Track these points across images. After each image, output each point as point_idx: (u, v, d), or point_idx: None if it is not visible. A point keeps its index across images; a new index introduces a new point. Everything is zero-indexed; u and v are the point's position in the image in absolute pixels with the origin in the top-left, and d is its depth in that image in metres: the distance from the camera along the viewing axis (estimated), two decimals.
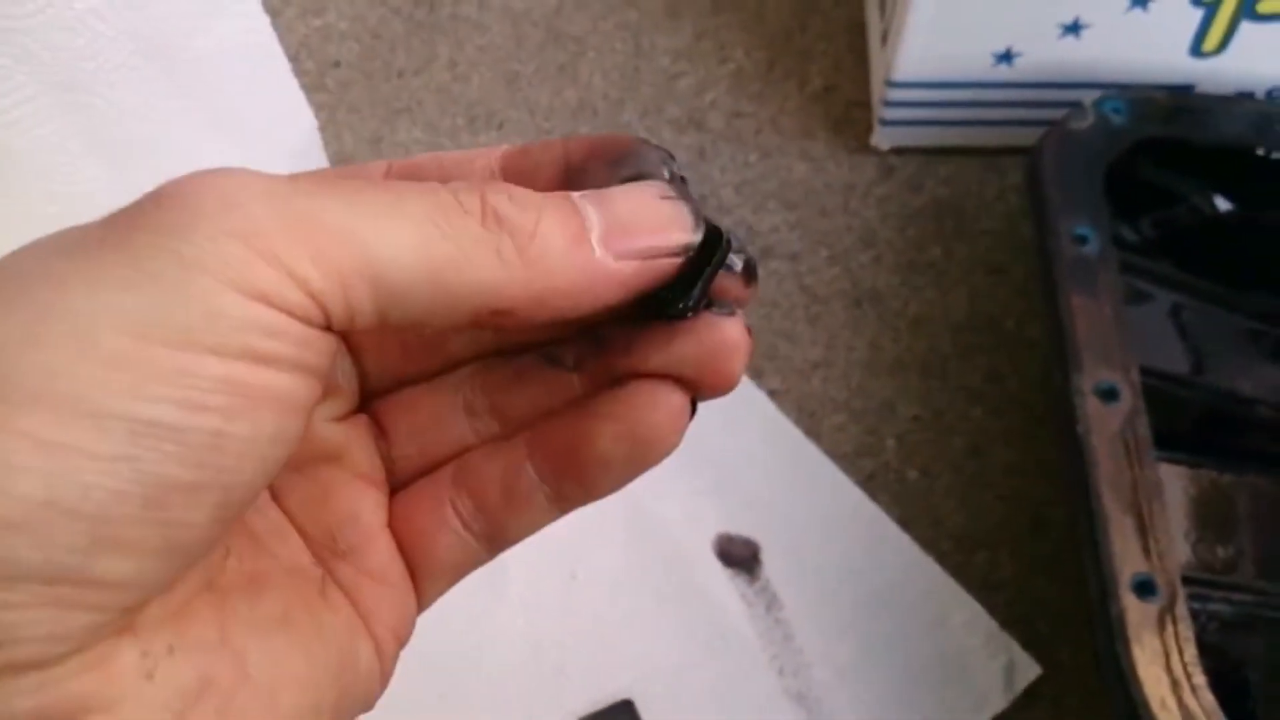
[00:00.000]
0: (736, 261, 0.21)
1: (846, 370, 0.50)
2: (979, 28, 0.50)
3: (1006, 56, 0.51)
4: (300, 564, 0.21)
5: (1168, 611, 0.35)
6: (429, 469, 0.23)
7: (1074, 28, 0.49)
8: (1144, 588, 0.36)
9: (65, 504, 0.16)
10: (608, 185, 0.20)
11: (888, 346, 0.51)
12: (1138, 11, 0.48)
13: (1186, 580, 0.37)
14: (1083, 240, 0.42)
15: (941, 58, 0.51)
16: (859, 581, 0.45)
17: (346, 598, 0.22)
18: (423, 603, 0.23)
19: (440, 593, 0.23)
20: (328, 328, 0.18)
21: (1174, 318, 0.47)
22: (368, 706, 0.22)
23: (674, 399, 0.21)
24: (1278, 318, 0.47)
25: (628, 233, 0.19)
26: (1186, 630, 0.35)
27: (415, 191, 0.19)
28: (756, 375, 0.50)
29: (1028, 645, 0.44)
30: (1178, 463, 0.42)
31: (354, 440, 0.23)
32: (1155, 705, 0.34)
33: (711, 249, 0.20)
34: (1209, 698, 0.34)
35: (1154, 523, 0.37)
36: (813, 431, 0.48)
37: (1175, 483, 0.41)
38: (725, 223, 0.21)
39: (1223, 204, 0.48)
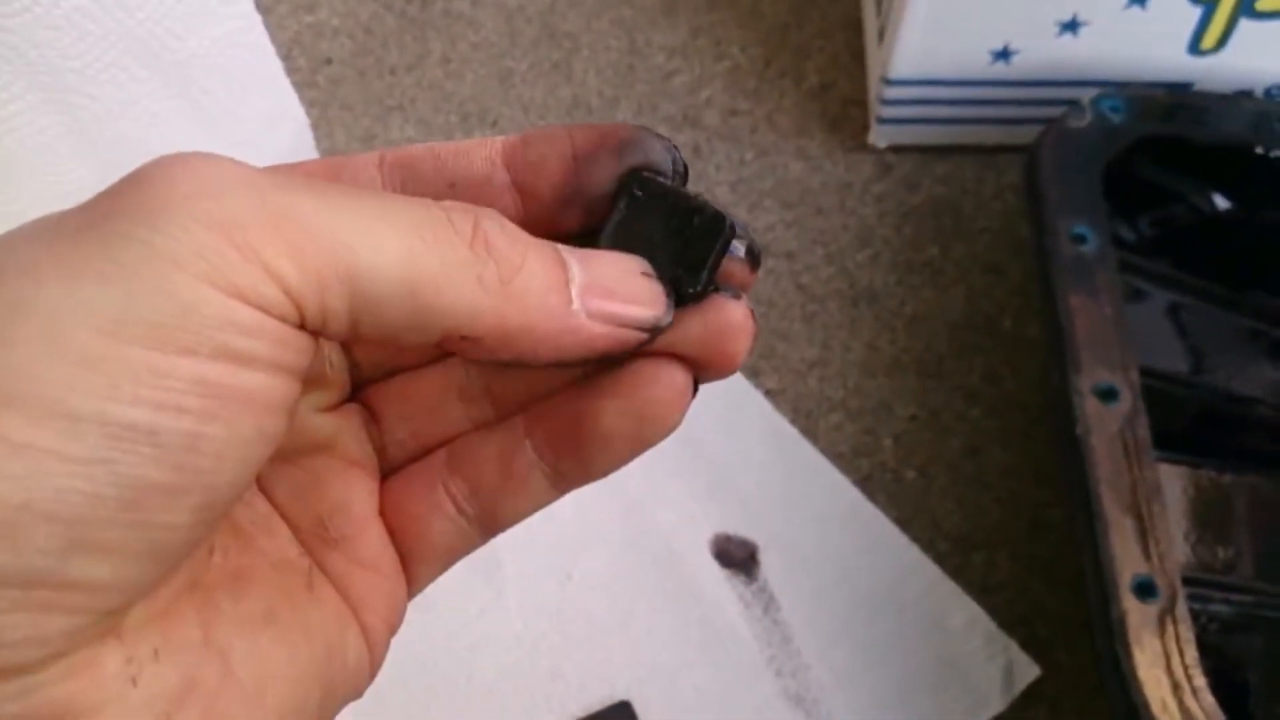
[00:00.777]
0: (740, 247, 0.21)
1: (843, 370, 0.50)
2: (976, 25, 0.50)
3: (1004, 54, 0.51)
4: (287, 557, 0.21)
5: (1168, 613, 0.35)
6: (422, 454, 0.23)
7: (1072, 25, 0.49)
8: (1144, 589, 0.35)
9: (41, 507, 0.15)
10: (616, 174, 0.21)
11: (885, 346, 0.51)
12: (1136, 9, 0.48)
13: (1186, 581, 0.36)
14: (1081, 239, 0.42)
15: (939, 55, 0.51)
16: (857, 582, 0.45)
17: (335, 588, 0.21)
18: (414, 589, 0.23)
19: (432, 578, 0.23)
20: (302, 327, 0.18)
21: (1173, 317, 0.46)
22: (357, 695, 0.22)
23: (678, 376, 0.21)
24: (1277, 317, 0.47)
25: (607, 294, 0.20)
26: (1187, 632, 0.35)
27: (406, 203, 0.19)
28: (753, 375, 0.49)
29: (1026, 646, 0.44)
30: (1177, 463, 0.41)
31: (345, 429, 0.22)
32: (1156, 708, 0.34)
33: (718, 233, 0.20)
34: (1210, 700, 0.34)
35: (1154, 523, 0.36)
36: (809, 431, 0.48)
37: (1175, 483, 0.41)
38: None
39: (1221, 203, 0.48)
